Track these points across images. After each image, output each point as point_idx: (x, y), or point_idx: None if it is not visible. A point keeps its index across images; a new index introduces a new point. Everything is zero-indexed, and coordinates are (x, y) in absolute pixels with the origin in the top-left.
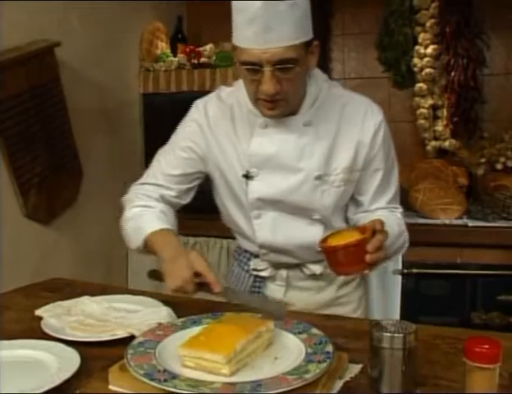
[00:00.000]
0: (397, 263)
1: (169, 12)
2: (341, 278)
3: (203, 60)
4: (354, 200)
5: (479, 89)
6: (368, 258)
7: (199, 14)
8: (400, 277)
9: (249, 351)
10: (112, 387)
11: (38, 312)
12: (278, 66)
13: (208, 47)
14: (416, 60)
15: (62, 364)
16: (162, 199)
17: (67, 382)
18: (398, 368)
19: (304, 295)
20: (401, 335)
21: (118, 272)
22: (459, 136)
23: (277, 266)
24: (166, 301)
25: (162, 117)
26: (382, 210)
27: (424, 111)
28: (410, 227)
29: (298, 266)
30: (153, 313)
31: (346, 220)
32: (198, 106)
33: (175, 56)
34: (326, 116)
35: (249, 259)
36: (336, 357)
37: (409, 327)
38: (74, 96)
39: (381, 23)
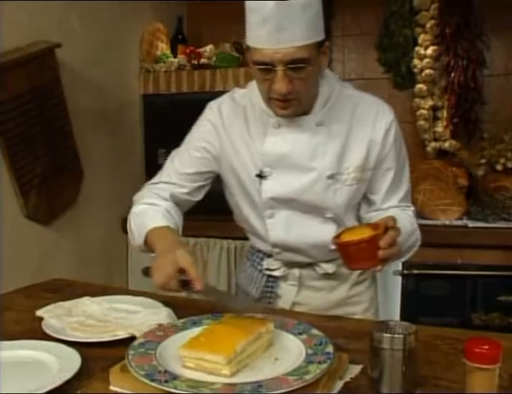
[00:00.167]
0: (397, 264)
1: (169, 13)
2: (353, 278)
3: (203, 61)
4: (366, 199)
5: (479, 90)
6: (380, 253)
7: (199, 15)
8: (400, 278)
9: (249, 352)
10: (112, 388)
11: (38, 312)
12: (290, 66)
13: (208, 48)
14: (416, 61)
15: (63, 364)
16: (173, 197)
17: (68, 382)
18: (398, 369)
19: (316, 295)
20: (401, 336)
21: (118, 273)
22: (459, 137)
23: (290, 265)
24: (167, 302)
25: (162, 118)
26: (394, 209)
27: (424, 112)
28: None
29: (310, 265)
30: (153, 313)
31: (358, 219)
32: (212, 107)
33: (175, 57)
34: (338, 116)
35: (262, 259)
36: (336, 358)
37: (409, 328)
38: (74, 97)
39: (382, 24)
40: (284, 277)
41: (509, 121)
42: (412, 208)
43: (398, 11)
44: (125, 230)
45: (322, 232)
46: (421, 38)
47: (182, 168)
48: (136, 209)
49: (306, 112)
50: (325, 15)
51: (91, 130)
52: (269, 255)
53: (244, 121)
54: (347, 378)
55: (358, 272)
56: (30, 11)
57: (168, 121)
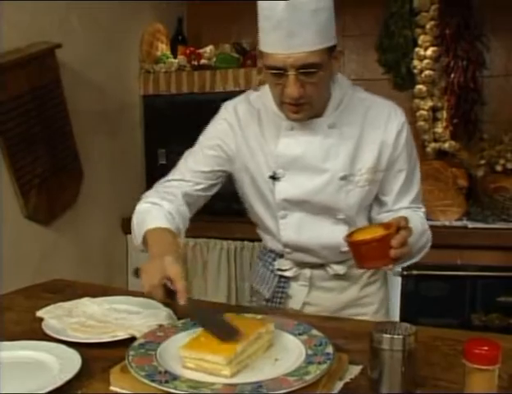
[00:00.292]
0: None
1: (169, 14)
2: (364, 279)
3: (203, 61)
4: (377, 200)
5: (479, 91)
6: (392, 253)
7: (199, 15)
8: (399, 279)
9: (249, 353)
10: (113, 388)
11: (39, 313)
12: (302, 71)
13: (208, 48)
14: (416, 62)
15: (63, 365)
16: (186, 196)
17: (68, 383)
18: (398, 370)
19: (327, 295)
20: (401, 336)
21: (118, 273)
22: (459, 138)
23: (301, 266)
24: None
25: (162, 119)
26: (406, 210)
27: (424, 112)
28: None
29: (322, 266)
30: (153, 314)
31: (370, 220)
32: (227, 107)
33: (175, 57)
34: (350, 119)
35: (273, 259)
36: (336, 358)
37: (409, 329)
38: (74, 97)
39: (382, 25)
40: (295, 278)
41: (508, 122)
42: (423, 209)
43: (398, 11)
44: (125, 230)
45: (333, 233)
46: (421, 39)
47: (197, 166)
48: (140, 207)
49: (318, 115)
50: None
51: (91, 130)
52: (281, 255)
53: (259, 123)
54: (347, 379)
55: (369, 273)
56: (30, 11)
57: (168, 122)
